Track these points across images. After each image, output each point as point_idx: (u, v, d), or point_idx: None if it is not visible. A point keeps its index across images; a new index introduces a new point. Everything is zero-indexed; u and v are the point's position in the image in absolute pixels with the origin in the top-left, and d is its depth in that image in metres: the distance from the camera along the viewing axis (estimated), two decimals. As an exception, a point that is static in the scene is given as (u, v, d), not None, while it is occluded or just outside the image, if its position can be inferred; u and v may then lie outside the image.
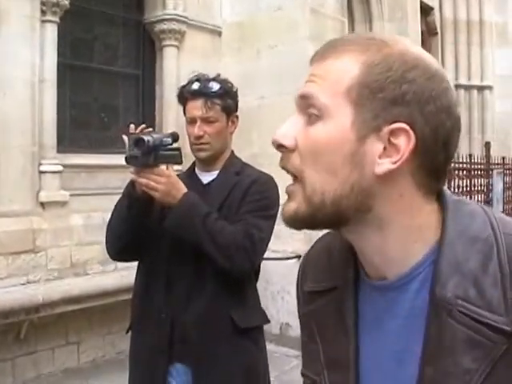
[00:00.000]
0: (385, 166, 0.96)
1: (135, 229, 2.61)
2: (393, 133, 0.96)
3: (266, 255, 7.23)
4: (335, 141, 0.97)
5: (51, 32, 6.03)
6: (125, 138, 2.49)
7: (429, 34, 13.67)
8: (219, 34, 7.80)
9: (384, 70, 0.97)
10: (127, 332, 2.94)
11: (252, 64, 7.42)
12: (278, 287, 6.74)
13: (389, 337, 1.02)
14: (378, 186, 0.98)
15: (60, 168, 6.02)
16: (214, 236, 2.57)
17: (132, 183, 2.57)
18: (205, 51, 7.64)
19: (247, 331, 2.75)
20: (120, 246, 2.71)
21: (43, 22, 5.96)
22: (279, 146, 1.03)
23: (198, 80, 2.77)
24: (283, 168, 1.04)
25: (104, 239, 2.82)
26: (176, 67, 7.26)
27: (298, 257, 6.43)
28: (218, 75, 2.90)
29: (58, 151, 6.09)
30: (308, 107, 1.01)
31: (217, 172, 2.82)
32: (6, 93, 5.61)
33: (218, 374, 2.67)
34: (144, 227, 2.63)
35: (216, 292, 2.68)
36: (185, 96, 2.77)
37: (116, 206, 2.74)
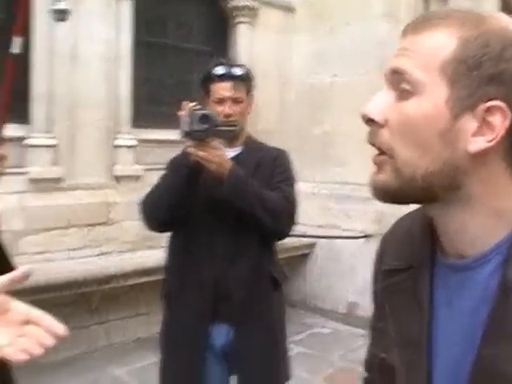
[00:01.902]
0: (479, 144, 0.94)
1: (185, 199, 2.80)
2: (488, 111, 0.93)
3: (336, 233, 7.22)
4: (429, 117, 0.95)
5: (126, 9, 6.15)
6: (182, 114, 2.68)
7: (507, 12, 13.29)
8: (292, 11, 7.75)
9: (481, 46, 0.93)
10: (162, 298, 3.11)
11: (325, 42, 7.36)
12: (347, 266, 6.73)
13: (462, 317, 1.01)
14: (470, 165, 0.96)
15: (134, 143, 6.19)
16: (264, 201, 2.82)
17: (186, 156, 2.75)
18: (278, 29, 7.62)
19: (279, 288, 3.08)
20: (167, 217, 2.88)
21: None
22: (368, 121, 1.01)
23: (222, 64, 3.00)
24: (371, 144, 1.02)
25: None
26: (249, 44, 7.28)
27: (368, 236, 6.40)
28: (233, 60, 3.26)
29: (133, 126, 6.25)
30: (400, 82, 0.98)
31: (239, 148, 3.05)
32: (82, 69, 5.76)
33: (258, 331, 2.94)
34: (191, 197, 2.82)
35: (258, 252, 2.98)
36: (212, 78, 2.97)
37: (164, 179, 2.95)
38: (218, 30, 7.37)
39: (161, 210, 2.85)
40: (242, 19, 7.26)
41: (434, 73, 0.95)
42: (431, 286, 1.08)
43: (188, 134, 2.65)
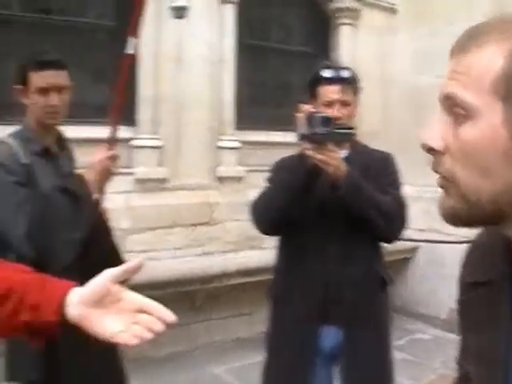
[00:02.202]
0: None
1: (299, 201, 2.81)
2: None
3: (439, 238, 7.05)
4: (487, 140, 0.92)
5: (230, 12, 6.26)
6: (300, 116, 2.64)
7: None
8: (395, 11, 7.65)
9: None
10: (269, 298, 3.12)
11: (428, 42, 7.21)
12: (450, 271, 6.57)
13: None
14: None
15: (238, 144, 6.29)
16: (379, 204, 2.81)
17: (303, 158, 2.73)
18: (380, 29, 7.54)
19: (385, 289, 3.10)
20: (279, 218, 2.89)
21: (222, 2, 6.20)
22: (429, 150, 0.99)
23: (329, 67, 2.99)
24: (435, 171, 1.00)
25: None
26: (352, 46, 7.24)
27: (470, 242, 6.22)
28: (339, 62, 3.21)
29: (236, 128, 6.34)
30: (454, 107, 0.95)
31: (346, 151, 3.00)
32: (187, 71, 5.91)
33: (368, 333, 2.93)
34: (304, 199, 2.81)
35: (369, 255, 3.00)
36: (320, 81, 2.94)
37: (276, 181, 2.95)
38: (318, 31, 7.35)
39: (272, 212, 2.86)
40: (344, 20, 7.21)
41: (485, 94, 0.92)
42: (511, 302, 1.04)
43: (306, 137, 2.63)
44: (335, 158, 2.67)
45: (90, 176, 2.75)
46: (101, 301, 1.24)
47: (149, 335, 1.20)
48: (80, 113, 4.94)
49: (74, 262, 2.60)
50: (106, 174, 2.83)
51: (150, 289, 4.76)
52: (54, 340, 1.34)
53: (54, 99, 2.74)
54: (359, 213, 2.79)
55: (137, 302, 1.24)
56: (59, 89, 2.75)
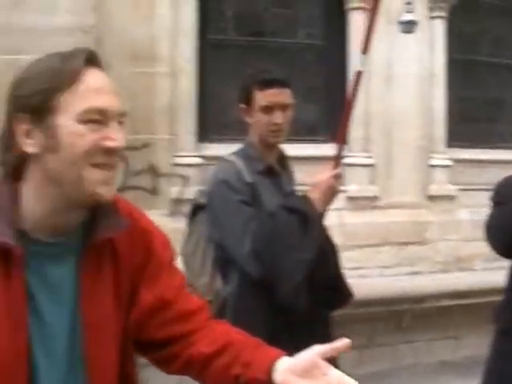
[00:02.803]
0: None
1: None
2: None
3: None
4: None
5: (440, 27, 6.17)
6: None
7: None
8: None
9: None
10: (496, 323, 2.95)
11: None
12: None
13: None
14: None
15: (449, 162, 6.15)
16: None
17: None
18: None
19: None
20: None
21: (431, 18, 6.12)
22: None
23: None
24: None
25: None
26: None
27: None
28: None
29: (447, 145, 6.21)
30: None
31: None
32: (396, 88, 5.89)
33: None
34: None
35: None
36: None
37: None
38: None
39: (509, 233, 2.73)
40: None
41: None
42: None
43: None
44: None
45: (314, 195, 2.70)
46: (306, 372, 1.32)
47: None
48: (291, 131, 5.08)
49: (303, 282, 2.60)
50: (331, 193, 2.78)
51: (359, 306, 4.75)
52: None
53: (279, 117, 2.71)
54: None
55: (338, 378, 1.30)
56: (283, 107, 2.73)
